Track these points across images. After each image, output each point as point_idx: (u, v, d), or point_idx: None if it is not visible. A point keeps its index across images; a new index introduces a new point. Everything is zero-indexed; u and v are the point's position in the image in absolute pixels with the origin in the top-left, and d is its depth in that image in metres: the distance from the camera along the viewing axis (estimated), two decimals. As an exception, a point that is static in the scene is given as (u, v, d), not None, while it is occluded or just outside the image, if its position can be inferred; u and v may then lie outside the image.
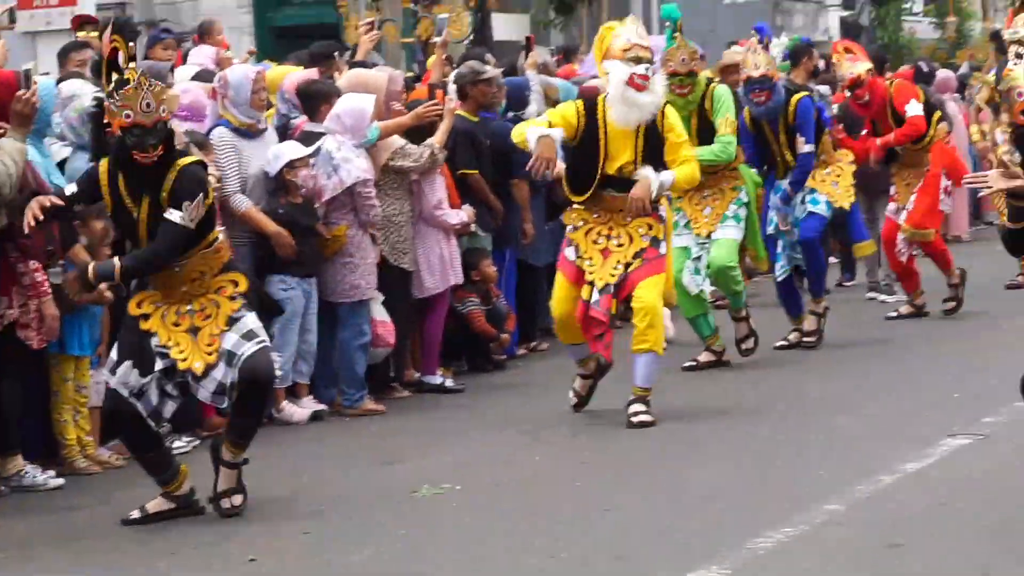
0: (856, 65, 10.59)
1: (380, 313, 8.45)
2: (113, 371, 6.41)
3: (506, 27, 26.71)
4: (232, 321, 6.32)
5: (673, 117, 7.82)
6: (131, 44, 6.37)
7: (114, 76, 6.19)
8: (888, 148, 10.65)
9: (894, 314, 10.98)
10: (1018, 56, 5.31)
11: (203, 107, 8.67)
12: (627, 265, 7.70)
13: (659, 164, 7.63)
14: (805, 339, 9.98)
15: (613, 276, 7.65)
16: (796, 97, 9.74)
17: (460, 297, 9.19)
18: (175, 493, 6.39)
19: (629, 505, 6.13)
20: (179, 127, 8.13)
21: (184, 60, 10.03)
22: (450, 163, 8.99)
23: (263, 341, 6.31)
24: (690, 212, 9.21)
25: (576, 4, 26.71)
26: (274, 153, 8.47)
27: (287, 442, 7.98)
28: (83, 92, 8.12)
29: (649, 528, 5.79)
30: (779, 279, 10.04)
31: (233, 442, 6.42)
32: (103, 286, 7.36)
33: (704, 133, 9.05)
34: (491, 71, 9.49)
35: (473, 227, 9.26)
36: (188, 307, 6.34)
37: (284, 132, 8.84)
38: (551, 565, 5.34)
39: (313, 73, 9.29)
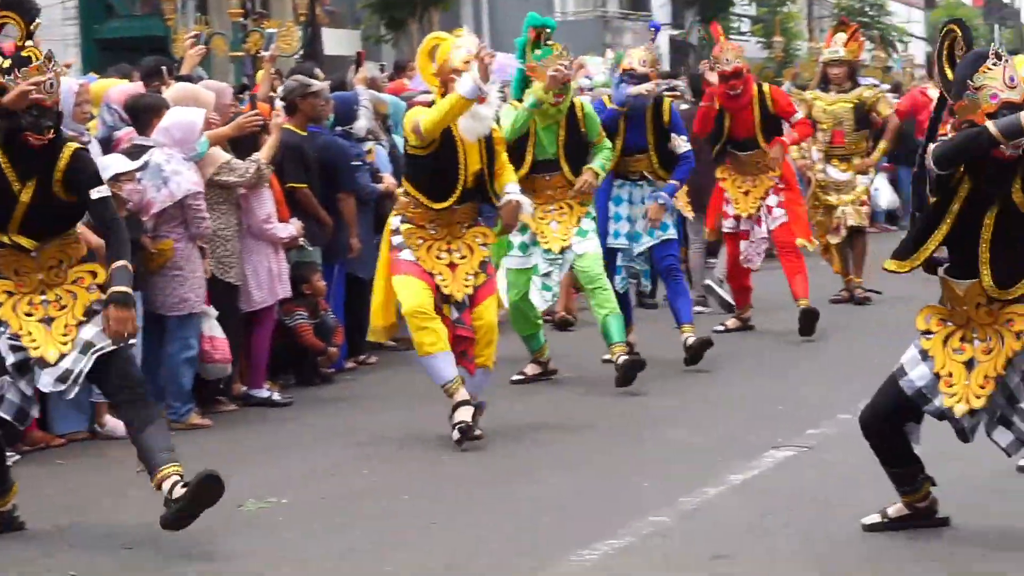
0: (741, 57, 10.56)
1: (213, 329, 8.31)
2: None
3: (337, 42, 26.64)
4: (91, 312, 5.99)
5: (499, 130, 7.84)
6: (38, 22, 6.05)
7: None
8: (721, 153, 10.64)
9: (721, 328, 10.87)
10: (997, 57, 5.07)
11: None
12: (475, 275, 7.68)
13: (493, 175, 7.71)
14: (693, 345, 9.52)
15: (468, 287, 7.62)
16: (668, 100, 9.75)
17: (288, 311, 9.04)
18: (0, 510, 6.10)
19: (457, 518, 6.12)
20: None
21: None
22: (278, 177, 8.86)
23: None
24: (535, 227, 9.01)
25: (407, 20, 26.66)
26: (100, 165, 8.21)
27: (111, 456, 7.72)
28: None
29: (476, 541, 5.80)
30: (619, 291, 9.73)
31: (157, 464, 5.72)
32: None
33: (570, 144, 8.97)
34: (318, 84, 9.33)
35: (302, 241, 9.11)
36: (43, 297, 6.01)
37: (107, 145, 8.61)
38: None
39: (139, 86, 9.06)
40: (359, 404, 8.83)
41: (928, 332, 5.28)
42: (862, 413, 5.45)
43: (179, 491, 5.57)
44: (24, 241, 5.92)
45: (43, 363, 5.89)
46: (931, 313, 5.32)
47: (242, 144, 8.63)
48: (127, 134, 8.57)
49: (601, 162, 9.07)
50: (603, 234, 9.49)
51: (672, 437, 7.63)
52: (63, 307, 5.97)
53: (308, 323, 9.30)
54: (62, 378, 5.89)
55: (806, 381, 9.01)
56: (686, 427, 7.82)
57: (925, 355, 5.29)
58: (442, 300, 7.55)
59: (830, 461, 6.75)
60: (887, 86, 16.43)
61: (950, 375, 5.19)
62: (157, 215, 8.21)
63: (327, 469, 7.17)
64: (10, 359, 5.84)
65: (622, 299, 9.72)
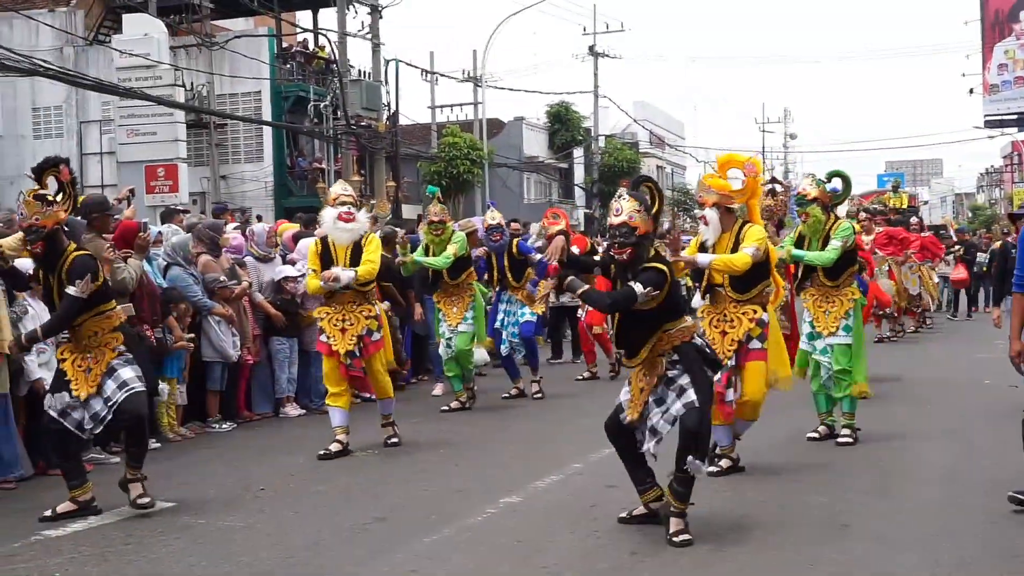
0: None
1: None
2: (52, 398, 6.77)
3: (411, 211, 31.91)
4: (111, 370, 6.62)
5: (375, 240, 8.89)
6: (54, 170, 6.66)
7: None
8: None
9: (580, 378, 13.21)
10: (617, 196, 5.82)
11: (241, 245, 11.17)
12: (360, 338, 8.66)
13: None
14: (534, 395, 11.62)
15: (351, 345, 8.69)
16: (516, 240, 11.65)
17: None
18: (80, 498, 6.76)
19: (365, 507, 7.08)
20: (227, 256, 10.56)
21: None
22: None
23: (132, 388, 6.61)
24: (444, 309, 10.88)
25: (447, 198, 32.79)
26: (277, 272, 11.03)
27: (286, 432, 10.12)
28: (172, 232, 10.61)
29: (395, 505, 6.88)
30: (503, 355, 11.66)
31: (130, 465, 6.78)
32: (182, 342, 9.54)
33: (455, 262, 10.68)
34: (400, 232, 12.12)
35: (390, 313, 11.01)
36: (86, 354, 6.68)
37: (283, 259, 11.38)
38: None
39: (299, 229, 11.99)
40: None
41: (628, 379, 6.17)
42: (605, 426, 6.21)
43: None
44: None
45: (79, 400, 6.61)
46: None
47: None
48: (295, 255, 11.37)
49: (422, 258, 10.64)
50: (492, 318, 11.56)
51: (515, 447, 9.05)
52: (96, 361, 6.67)
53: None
54: (93, 417, 6.64)
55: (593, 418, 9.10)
56: (524, 444, 9.21)
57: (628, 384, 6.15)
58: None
59: (602, 473, 7.57)
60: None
61: (631, 401, 6.05)
62: (303, 296, 10.74)
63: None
64: (73, 394, 6.66)
65: (508, 360, 11.72)
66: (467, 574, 5.56)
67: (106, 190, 22.53)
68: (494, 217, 11.69)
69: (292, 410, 11.29)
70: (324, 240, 8.91)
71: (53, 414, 6.68)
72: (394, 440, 9.08)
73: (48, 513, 6.70)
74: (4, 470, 7.89)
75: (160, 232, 10.62)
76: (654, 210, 5.92)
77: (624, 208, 5.78)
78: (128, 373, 6.63)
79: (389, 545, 6.07)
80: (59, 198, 6.64)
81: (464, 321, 10.91)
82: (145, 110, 25.94)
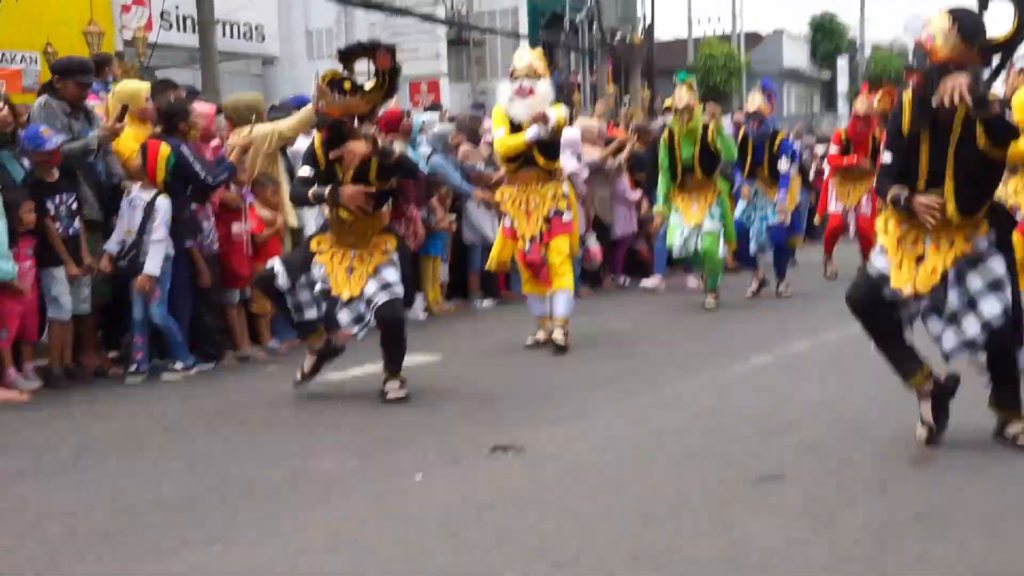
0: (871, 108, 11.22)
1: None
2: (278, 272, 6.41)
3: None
4: (377, 270, 6.25)
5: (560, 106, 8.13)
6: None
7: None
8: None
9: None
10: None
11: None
12: (547, 220, 8.03)
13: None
14: (782, 295, 10.93)
15: (536, 229, 8.05)
16: (781, 135, 10.89)
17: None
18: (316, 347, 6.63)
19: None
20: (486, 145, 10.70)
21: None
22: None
23: (394, 292, 6.22)
24: (681, 206, 9.94)
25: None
26: None
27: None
28: (433, 122, 11.07)
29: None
30: (751, 255, 10.98)
31: (390, 371, 6.39)
32: (444, 222, 10.00)
33: (704, 154, 9.80)
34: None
35: None
36: (352, 251, 6.31)
37: None
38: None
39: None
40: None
41: (884, 232, 4.99)
42: (848, 297, 4.97)
43: None
44: (344, 214, 6.27)
45: (340, 300, 6.25)
46: (890, 216, 4.98)
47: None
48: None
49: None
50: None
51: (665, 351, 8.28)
52: (362, 261, 6.28)
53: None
54: (356, 320, 6.25)
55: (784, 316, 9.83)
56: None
57: (884, 251, 4.98)
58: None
59: (802, 367, 7.39)
60: None
61: (901, 264, 4.87)
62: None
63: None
64: (317, 286, 6.33)
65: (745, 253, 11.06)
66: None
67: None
68: (754, 101, 10.85)
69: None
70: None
71: (279, 280, 6.38)
72: (560, 341, 8.08)
73: (298, 376, 6.73)
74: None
75: (423, 122, 10.99)
76: (982, 43, 4.49)
77: (932, 26, 4.47)
78: (392, 275, 6.30)
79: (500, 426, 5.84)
80: (368, 86, 6.17)
81: (710, 218, 10.01)
82: (409, 28, 26.89)
